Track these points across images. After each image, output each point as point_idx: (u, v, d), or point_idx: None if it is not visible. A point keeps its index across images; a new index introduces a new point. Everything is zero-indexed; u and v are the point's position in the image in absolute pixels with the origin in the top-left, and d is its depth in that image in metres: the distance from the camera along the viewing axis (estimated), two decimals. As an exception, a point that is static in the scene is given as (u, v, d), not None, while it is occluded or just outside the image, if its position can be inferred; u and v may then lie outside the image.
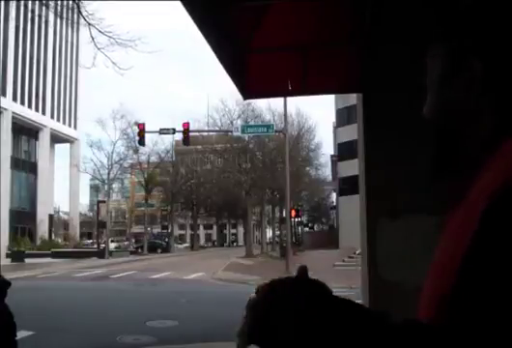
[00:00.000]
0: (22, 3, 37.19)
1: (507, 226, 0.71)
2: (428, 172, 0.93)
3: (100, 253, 40.06)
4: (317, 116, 73.47)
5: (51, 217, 51.85)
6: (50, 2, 18.93)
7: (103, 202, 47.93)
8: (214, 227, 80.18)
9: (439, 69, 0.88)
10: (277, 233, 51.88)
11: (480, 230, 0.73)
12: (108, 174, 46.18)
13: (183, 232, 78.27)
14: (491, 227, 0.72)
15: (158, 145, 53.59)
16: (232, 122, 41.84)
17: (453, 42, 0.85)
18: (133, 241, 59.46)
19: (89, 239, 59.00)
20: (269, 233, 57.35)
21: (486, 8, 0.83)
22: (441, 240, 0.85)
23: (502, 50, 0.80)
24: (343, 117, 45.49)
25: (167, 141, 52.32)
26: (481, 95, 0.81)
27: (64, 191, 62.34)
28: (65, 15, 19.81)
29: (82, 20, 14.58)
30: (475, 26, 0.83)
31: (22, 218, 44.85)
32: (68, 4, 16.83)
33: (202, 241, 76.39)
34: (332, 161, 54.27)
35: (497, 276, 0.70)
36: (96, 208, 50.93)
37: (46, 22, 44.96)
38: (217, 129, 43.75)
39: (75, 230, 55.13)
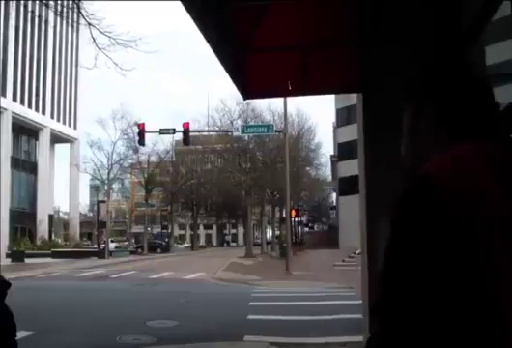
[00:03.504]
0: (22, 3, 37.17)
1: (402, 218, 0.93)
2: None
3: (100, 253, 40.03)
4: (317, 116, 73.61)
5: (51, 217, 51.84)
6: (50, 2, 18.91)
7: (103, 202, 47.88)
8: (214, 227, 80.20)
9: (407, 122, 1.15)
10: (277, 233, 51.85)
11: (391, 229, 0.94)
12: (108, 174, 46.17)
13: (183, 232, 78.29)
14: (394, 215, 0.95)
15: (158, 145, 53.63)
16: (232, 122, 41.83)
17: (415, 100, 1.14)
18: (133, 241, 59.45)
19: (89, 239, 58.98)
20: (269, 233, 57.33)
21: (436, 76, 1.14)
22: None
23: (450, 99, 1.09)
24: (343, 117, 45.51)
25: (167, 141, 52.39)
26: (436, 132, 1.08)
27: (64, 191, 62.35)
28: (65, 15, 19.70)
29: (82, 20, 14.53)
30: (430, 90, 1.12)
31: (22, 218, 44.83)
32: (68, 4, 16.76)
33: (202, 241, 76.45)
34: (332, 161, 54.29)
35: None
36: (96, 208, 50.89)
37: (46, 22, 44.95)
38: (217, 129, 43.74)
39: (75, 230, 55.11)
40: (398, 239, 0.91)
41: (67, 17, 19.35)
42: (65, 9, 17.75)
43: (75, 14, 16.20)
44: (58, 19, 43.61)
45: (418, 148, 1.12)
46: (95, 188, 61.94)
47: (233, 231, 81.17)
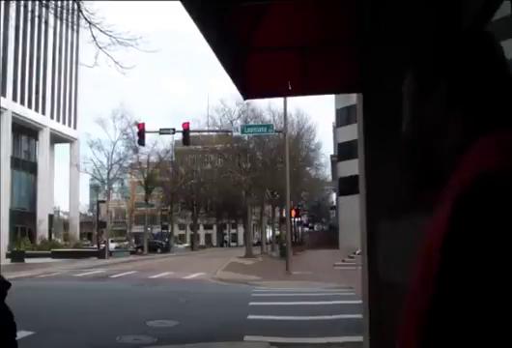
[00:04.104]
0: (22, 3, 37.18)
1: (479, 214, 0.78)
2: (411, 187, 1.02)
3: (100, 253, 40.05)
4: (317, 116, 73.72)
5: (51, 217, 51.83)
6: (50, 2, 18.89)
7: (103, 202, 47.90)
8: (214, 227, 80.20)
9: (412, 92, 1.00)
10: (277, 233, 51.85)
11: (452, 222, 0.80)
12: (108, 174, 46.17)
13: (183, 232, 78.30)
14: (461, 218, 0.79)
15: (158, 145, 53.62)
16: (232, 122, 41.86)
17: (423, 65, 1.00)
18: (133, 241, 59.45)
19: (89, 239, 59.03)
20: (269, 233, 57.35)
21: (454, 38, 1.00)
22: (421, 244, 0.89)
23: (466, 69, 0.94)
24: (343, 117, 45.53)
25: (167, 141, 52.39)
26: (448, 108, 0.94)
27: (64, 191, 62.39)
28: (65, 17, 19.70)
29: (82, 22, 14.54)
30: (447, 53, 0.98)
31: (22, 218, 44.83)
32: (68, 4, 16.76)
33: (202, 241, 76.45)
34: (332, 161, 54.30)
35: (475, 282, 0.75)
36: (96, 208, 50.91)
37: (46, 22, 44.85)
38: (217, 129, 43.76)
39: (75, 230, 55.12)
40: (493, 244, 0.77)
41: (66, 19, 19.31)
42: (65, 10, 17.73)
43: (75, 16, 16.20)
44: (58, 19, 43.61)
45: (424, 128, 0.97)
46: (95, 188, 61.97)
47: (233, 231, 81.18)
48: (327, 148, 72.11)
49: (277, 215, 49.98)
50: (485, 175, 0.81)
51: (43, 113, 49.52)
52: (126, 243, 57.73)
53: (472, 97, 0.93)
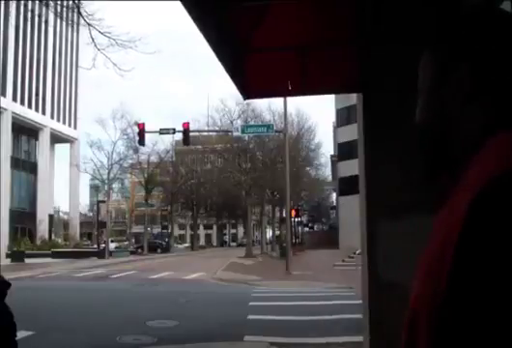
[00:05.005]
0: (22, 3, 37.17)
1: (496, 215, 0.72)
2: (423, 173, 0.95)
3: (100, 253, 40.06)
4: (317, 116, 73.77)
5: (51, 217, 51.83)
6: (50, 2, 18.90)
7: (103, 202, 47.89)
8: (214, 227, 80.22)
9: (428, 75, 0.90)
10: (277, 233, 51.85)
11: (468, 221, 0.74)
12: (108, 174, 46.17)
13: (183, 232, 78.32)
14: (479, 217, 0.73)
15: (158, 145, 53.62)
16: (232, 122, 41.90)
17: (443, 49, 0.89)
18: (133, 241, 59.46)
19: (89, 239, 59.03)
20: (269, 233, 57.36)
21: (481, 17, 0.87)
22: (428, 242, 0.84)
23: (492, 57, 0.83)
24: (343, 117, 45.54)
25: (167, 141, 52.39)
26: (469, 100, 0.85)
27: (64, 191, 62.40)
28: (65, 15, 19.72)
29: (82, 21, 14.54)
30: (468, 33, 0.86)
31: (22, 218, 44.83)
32: (68, 4, 16.77)
33: (202, 241, 76.46)
34: (332, 161, 54.31)
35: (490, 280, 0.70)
36: (96, 208, 50.90)
37: (46, 22, 44.94)
38: (217, 129, 43.78)
39: (75, 230, 55.11)
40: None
41: (66, 17, 19.33)
42: (64, 9, 17.75)
43: (75, 15, 16.20)
44: (58, 19, 43.63)
45: (439, 114, 0.89)
46: (95, 188, 61.95)
47: (233, 231, 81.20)
48: (327, 148, 72.27)
49: (277, 215, 49.99)
50: (507, 173, 0.74)
51: (44, 113, 49.51)
52: (126, 243, 57.74)
53: (497, 86, 0.83)
